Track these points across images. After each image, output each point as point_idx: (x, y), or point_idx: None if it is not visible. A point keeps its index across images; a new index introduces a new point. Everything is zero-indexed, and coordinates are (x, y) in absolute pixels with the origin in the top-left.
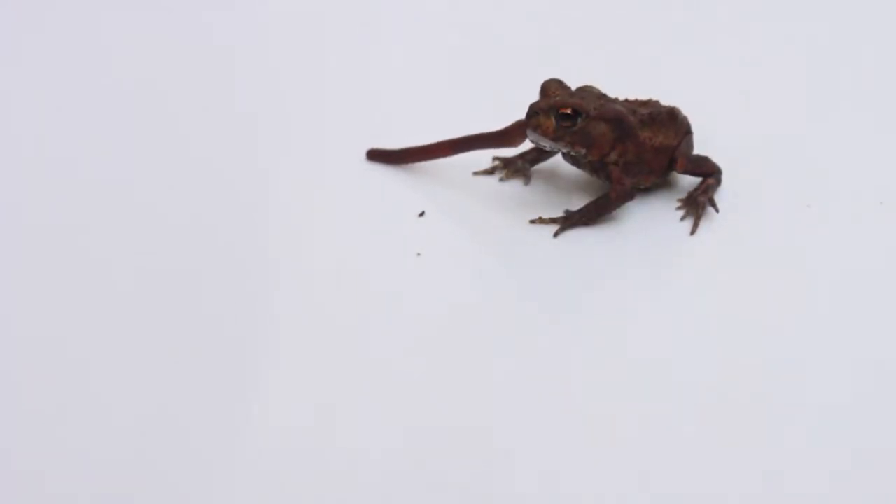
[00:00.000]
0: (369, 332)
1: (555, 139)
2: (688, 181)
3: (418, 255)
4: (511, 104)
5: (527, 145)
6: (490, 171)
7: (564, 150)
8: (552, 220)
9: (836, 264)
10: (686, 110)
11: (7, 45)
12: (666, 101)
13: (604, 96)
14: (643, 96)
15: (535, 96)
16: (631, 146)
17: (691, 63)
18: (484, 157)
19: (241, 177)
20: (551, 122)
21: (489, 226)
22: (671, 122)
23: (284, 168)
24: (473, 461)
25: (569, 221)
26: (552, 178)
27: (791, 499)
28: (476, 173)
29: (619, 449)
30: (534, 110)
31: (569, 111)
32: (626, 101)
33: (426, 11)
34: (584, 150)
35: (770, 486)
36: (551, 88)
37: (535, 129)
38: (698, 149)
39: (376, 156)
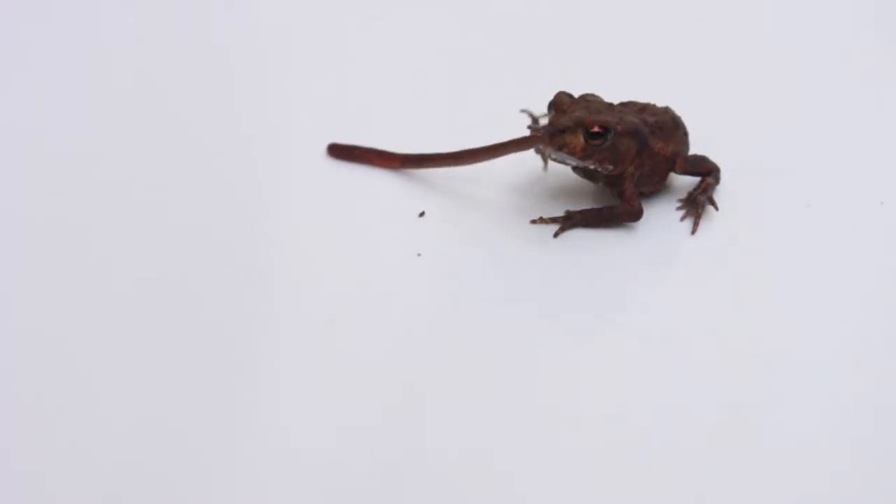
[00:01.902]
0: (369, 332)
1: (583, 157)
2: (687, 181)
3: (418, 255)
4: (507, 106)
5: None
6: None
7: (591, 167)
8: (553, 220)
9: (836, 264)
10: (686, 111)
11: (7, 44)
12: (668, 103)
13: (612, 106)
14: (641, 98)
15: (525, 97)
16: (647, 159)
17: (691, 64)
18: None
19: (241, 178)
20: (579, 140)
21: (489, 226)
22: (676, 129)
23: (284, 169)
24: (472, 460)
25: (570, 222)
26: (553, 178)
27: (789, 497)
28: None
29: (618, 448)
30: (558, 129)
31: (599, 129)
32: (622, 104)
33: (425, 13)
34: (611, 166)
35: (767, 484)
36: (564, 103)
37: (561, 147)
38: (699, 149)
39: (339, 152)
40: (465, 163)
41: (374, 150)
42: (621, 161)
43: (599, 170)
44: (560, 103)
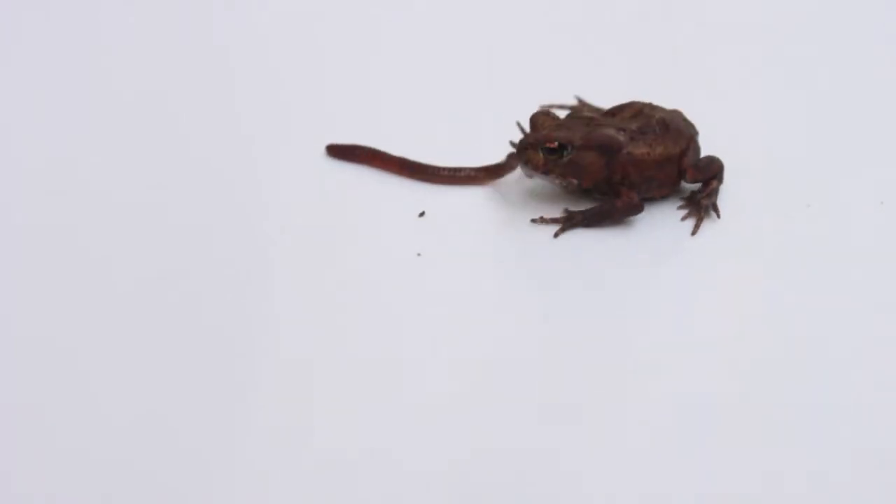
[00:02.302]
0: (369, 332)
1: (545, 172)
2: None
3: (418, 255)
4: (510, 108)
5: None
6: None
7: (556, 182)
8: (553, 220)
9: (836, 264)
10: (687, 111)
11: (6, 44)
12: (669, 104)
13: (592, 120)
14: (646, 101)
15: (527, 101)
16: (631, 168)
17: (692, 66)
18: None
19: (241, 177)
20: (540, 156)
21: (489, 226)
22: (665, 131)
23: (284, 169)
24: (471, 459)
25: (570, 222)
26: None
27: (791, 498)
28: None
29: (617, 447)
30: (523, 145)
31: (554, 145)
32: (619, 107)
33: (429, 11)
34: (575, 181)
35: (768, 485)
36: (539, 121)
37: (527, 163)
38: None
39: (339, 152)
40: (460, 183)
41: (373, 151)
42: (586, 174)
43: (564, 185)
44: (535, 121)
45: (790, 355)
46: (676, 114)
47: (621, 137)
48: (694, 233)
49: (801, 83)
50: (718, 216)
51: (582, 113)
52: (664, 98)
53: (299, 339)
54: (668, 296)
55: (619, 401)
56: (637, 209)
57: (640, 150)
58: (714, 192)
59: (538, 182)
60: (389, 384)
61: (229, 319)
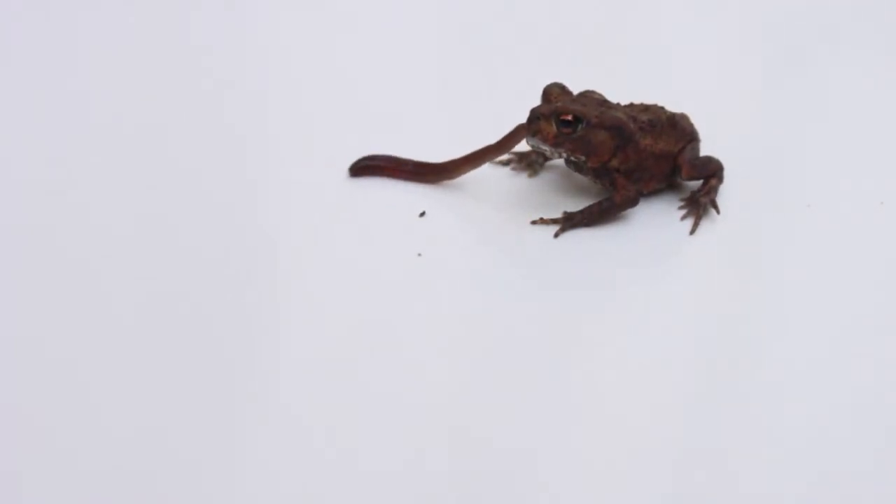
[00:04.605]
0: (370, 332)
1: (555, 145)
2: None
3: (418, 255)
4: (514, 105)
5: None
6: (505, 163)
7: (564, 156)
8: (553, 221)
9: (837, 264)
10: (687, 111)
11: (4, 46)
12: (670, 105)
13: (605, 102)
14: (647, 100)
15: (537, 100)
16: (632, 153)
17: (692, 65)
18: None
19: (240, 178)
20: (552, 127)
21: (489, 226)
22: (672, 129)
23: (283, 170)
24: (472, 460)
25: (570, 222)
26: (553, 179)
27: (786, 497)
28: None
29: (616, 446)
30: (535, 115)
31: (569, 118)
32: (630, 104)
33: (422, 15)
34: (583, 157)
35: (763, 485)
36: (553, 93)
37: (536, 134)
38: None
39: (366, 169)
40: (467, 168)
41: (389, 159)
42: (594, 153)
43: (573, 159)
44: (549, 93)
45: (790, 355)
46: (683, 116)
47: (632, 125)
48: (692, 231)
49: (802, 83)
50: (718, 212)
51: (594, 95)
52: (666, 98)
53: (299, 339)
54: (668, 296)
55: (620, 401)
56: (635, 202)
57: (645, 140)
58: (713, 190)
59: (538, 183)
60: (390, 385)
61: (229, 321)
